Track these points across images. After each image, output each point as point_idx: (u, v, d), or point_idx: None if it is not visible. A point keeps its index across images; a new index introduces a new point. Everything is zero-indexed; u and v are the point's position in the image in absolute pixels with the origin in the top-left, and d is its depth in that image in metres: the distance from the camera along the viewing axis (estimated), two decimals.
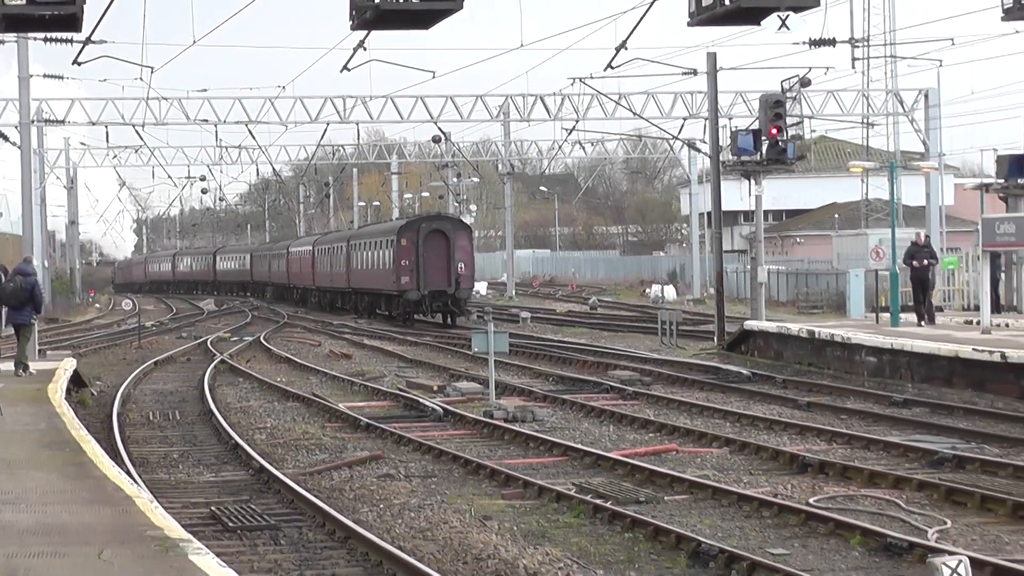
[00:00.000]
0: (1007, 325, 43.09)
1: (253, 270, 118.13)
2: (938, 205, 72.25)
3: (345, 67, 38.13)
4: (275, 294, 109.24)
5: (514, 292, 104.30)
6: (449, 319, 72.47)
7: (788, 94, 53.77)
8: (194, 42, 61.26)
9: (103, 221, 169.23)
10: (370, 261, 79.90)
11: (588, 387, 39.06)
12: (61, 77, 65.95)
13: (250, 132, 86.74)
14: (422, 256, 71.85)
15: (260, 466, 26.08)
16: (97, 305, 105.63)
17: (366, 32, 28.53)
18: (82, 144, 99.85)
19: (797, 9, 29.47)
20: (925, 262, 44.41)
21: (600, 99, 79.84)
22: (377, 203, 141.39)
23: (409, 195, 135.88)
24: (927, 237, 48.39)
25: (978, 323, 42.32)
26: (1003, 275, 49.25)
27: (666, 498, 22.71)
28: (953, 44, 76.04)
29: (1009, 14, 29.20)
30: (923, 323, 43.37)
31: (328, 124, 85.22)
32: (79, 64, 41.76)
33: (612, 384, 39.14)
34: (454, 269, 71.43)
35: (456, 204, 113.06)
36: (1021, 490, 22.26)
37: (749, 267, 59.46)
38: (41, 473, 20.34)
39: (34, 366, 37.30)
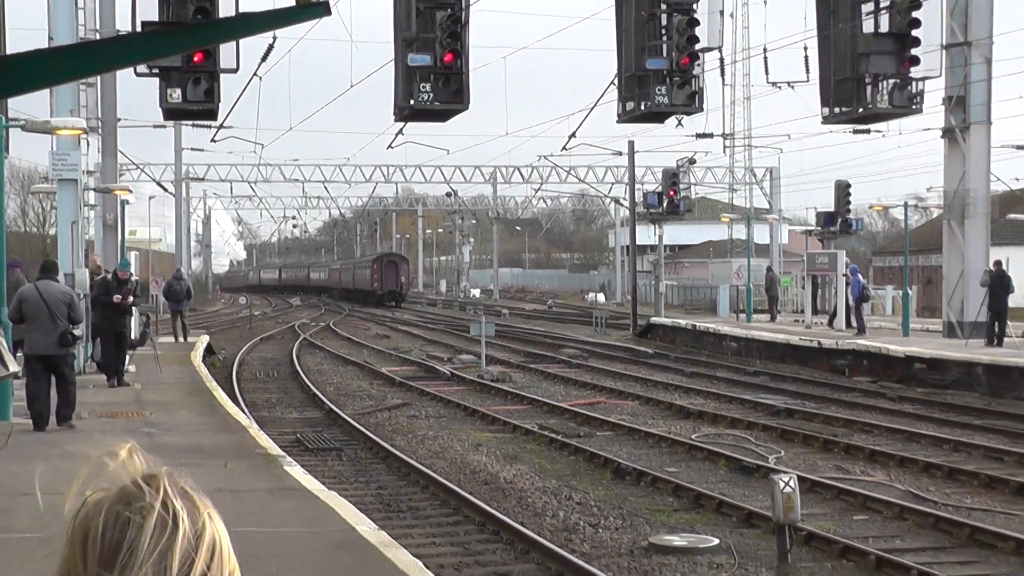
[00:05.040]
0: (821, 323, 43.26)
1: (329, 278, 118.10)
2: (778, 244, 72.41)
3: (389, 145, 38.39)
4: (335, 295, 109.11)
5: (498, 296, 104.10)
6: (398, 304, 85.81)
7: (681, 169, 53.89)
8: (291, 128, 60.70)
9: (227, 244, 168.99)
10: (361, 275, 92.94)
11: (546, 360, 39.08)
12: (202, 150, 65.90)
13: (326, 188, 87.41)
14: (384, 273, 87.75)
15: (329, 408, 26.17)
16: (222, 300, 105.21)
17: (404, 123, 28.66)
18: (215, 194, 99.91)
19: (687, 114, 29.59)
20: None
21: (557, 170, 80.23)
22: (408, 236, 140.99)
23: (429, 231, 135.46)
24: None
25: (803, 321, 42.47)
26: (820, 290, 49.44)
27: (597, 434, 22.83)
28: (789, 138, 76.28)
29: (826, 120, 29.40)
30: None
31: (377, 183, 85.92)
32: (214, 141, 41.85)
33: (562, 358, 39.20)
34: (399, 280, 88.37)
35: (460, 237, 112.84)
36: (829, 431, 22.40)
37: (653, 282, 59.45)
38: (186, 411, 20.38)
39: (180, 340, 37.93)
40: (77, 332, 17.77)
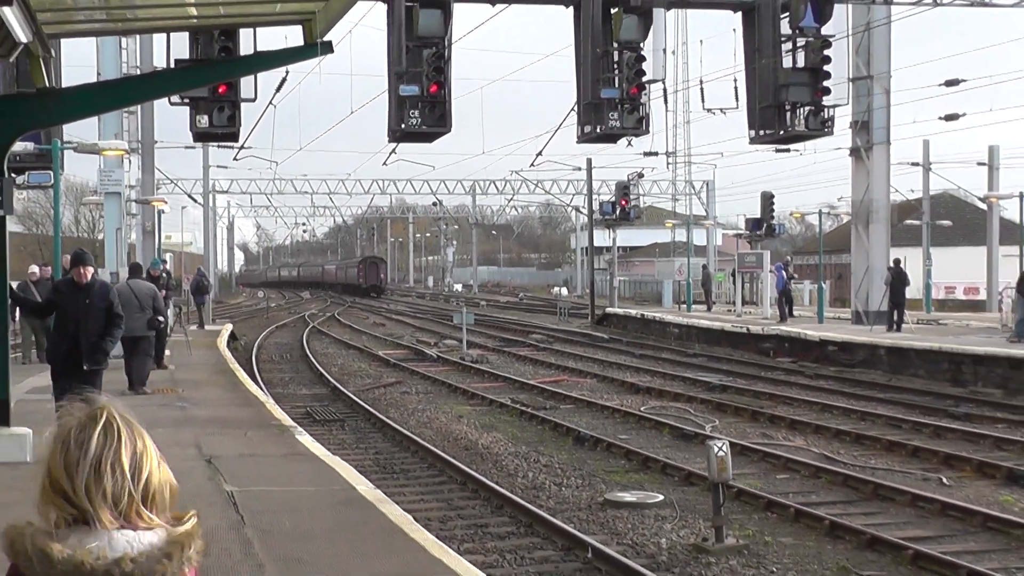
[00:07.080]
0: (750, 312, 43.37)
1: (324, 275, 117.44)
2: (713, 245, 72.52)
3: (384, 163, 38.09)
4: (336, 289, 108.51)
5: (477, 290, 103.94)
6: (378, 295, 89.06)
7: (631, 182, 53.86)
8: (301, 148, 60.39)
9: (247, 247, 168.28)
10: (349, 273, 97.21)
11: (518, 344, 39.07)
12: (226, 167, 65.60)
13: (331, 198, 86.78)
14: (367, 271, 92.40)
15: (334, 386, 26.11)
16: (244, 294, 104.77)
17: (396, 144, 28.59)
18: (237, 204, 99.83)
19: (636, 135, 29.58)
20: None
21: (527, 183, 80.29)
22: (401, 239, 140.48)
23: (418, 235, 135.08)
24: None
25: (735, 311, 42.52)
26: (748, 284, 49.54)
27: (561, 406, 22.85)
28: (722, 156, 76.46)
29: (753, 141, 29.42)
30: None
31: (374, 195, 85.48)
32: (236, 160, 41.59)
33: (531, 342, 39.24)
34: (379, 276, 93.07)
35: (444, 240, 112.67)
36: (756, 403, 22.48)
37: (608, 277, 59.45)
38: (213, 388, 20.31)
39: (207, 327, 37.99)
40: (161, 319, 19.23)
